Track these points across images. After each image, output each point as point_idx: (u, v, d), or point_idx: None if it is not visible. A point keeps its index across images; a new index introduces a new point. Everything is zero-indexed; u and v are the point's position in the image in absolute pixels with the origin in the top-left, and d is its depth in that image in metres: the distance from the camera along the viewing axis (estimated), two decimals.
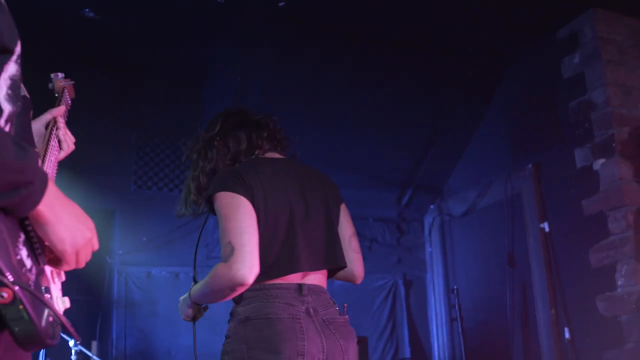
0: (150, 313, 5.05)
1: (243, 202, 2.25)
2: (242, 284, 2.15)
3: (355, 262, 2.50)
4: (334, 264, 2.39)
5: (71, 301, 1.41)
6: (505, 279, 4.89)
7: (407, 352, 5.79)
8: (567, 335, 4.35)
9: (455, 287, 4.93)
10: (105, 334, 5.05)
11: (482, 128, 5.43)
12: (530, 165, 4.72)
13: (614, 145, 4.10)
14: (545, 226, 4.58)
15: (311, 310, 2.23)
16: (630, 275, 3.93)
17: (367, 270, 5.59)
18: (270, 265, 2.25)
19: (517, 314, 4.82)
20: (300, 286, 2.25)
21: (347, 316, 2.38)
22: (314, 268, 2.32)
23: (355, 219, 5.67)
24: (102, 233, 1.36)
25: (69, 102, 2.07)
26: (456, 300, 4.83)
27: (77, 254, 1.27)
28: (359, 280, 2.55)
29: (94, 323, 5.04)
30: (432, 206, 5.91)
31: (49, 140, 1.76)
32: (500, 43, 4.79)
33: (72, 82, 2.14)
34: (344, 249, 2.43)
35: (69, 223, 1.23)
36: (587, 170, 4.28)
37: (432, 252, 5.90)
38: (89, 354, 4.40)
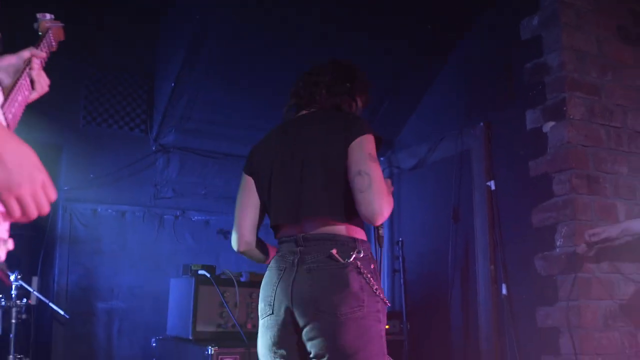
0: (94, 250, 5.00)
1: (243, 178, 2.75)
2: (239, 252, 2.72)
3: (358, 203, 2.40)
4: (296, 217, 2.52)
5: (14, 236, 1.37)
6: (449, 234, 4.99)
7: None
8: (504, 291, 4.48)
9: (400, 239, 5.00)
10: (47, 269, 4.99)
11: (438, 84, 5.45)
12: (481, 124, 4.78)
13: (564, 109, 4.17)
14: (492, 184, 4.66)
15: (297, 260, 2.46)
16: (569, 236, 4.05)
17: None
18: (271, 224, 2.63)
19: (458, 268, 4.93)
20: (296, 238, 2.50)
21: (344, 261, 2.40)
22: (289, 221, 2.54)
23: None
24: (49, 168, 1.26)
25: (54, 44, 2.03)
26: (400, 252, 4.91)
27: (19, 200, 1.16)
28: (372, 221, 2.41)
29: (36, 258, 4.98)
30: (382, 158, 5.95)
31: (18, 79, 1.72)
32: (462, 0, 4.79)
33: (62, 24, 2.09)
34: (353, 191, 2.44)
35: (8, 165, 1.13)
36: (537, 131, 4.35)
37: None
38: (30, 289, 4.35)
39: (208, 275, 4.16)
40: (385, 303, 2.47)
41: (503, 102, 4.68)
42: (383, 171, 5.87)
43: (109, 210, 5.15)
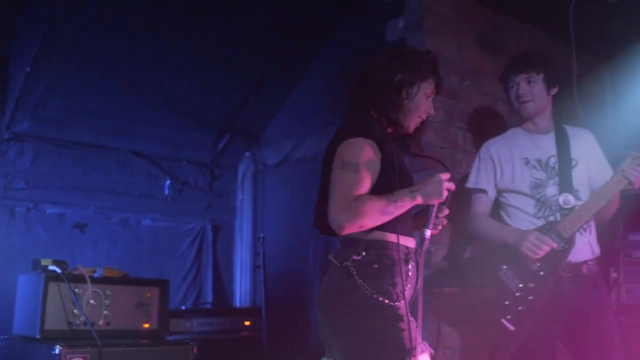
0: None
1: None
2: None
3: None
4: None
5: None
6: (310, 231, 5.00)
7: (209, 297, 5.80)
8: None
9: (261, 235, 4.97)
10: None
11: (305, 82, 5.47)
12: None
13: None
14: None
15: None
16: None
17: (176, 213, 5.58)
18: None
19: (318, 265, 4.97)
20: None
21: (340, 264, 2.43)
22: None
23: (169, 160, 5.58)
24: None
25: None
26: (261, 248, 4.88)
27: None
28: (336, 231, 2.39)
29: None
30: (247, 154, 5.90)
31: None
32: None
33: None
34: None
35: None
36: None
37: (243, 200, 5.91)
38: None
39: (59, 271, 3.94)
40: (390, 302, 2.37)
41: None
42: (247, 167, 5.88)
43: None
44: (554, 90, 3.61)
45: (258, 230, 5.63)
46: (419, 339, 2.37)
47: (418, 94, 2.60)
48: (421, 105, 2.62)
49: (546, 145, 3.57)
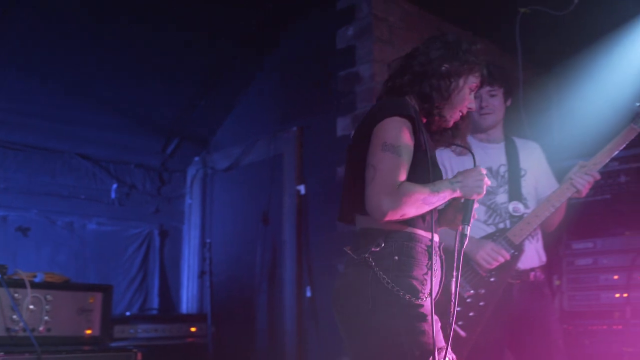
0: None
1: None
2: None
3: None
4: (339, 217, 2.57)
5: None
6: (258, 237, 5.00)
7: (155, 303, 5.73)
8: (308, 293, 4.56)
9: (208, 240, 4.94)
10: None
11: (255, 86, 5.46)
12: (294, 128, 4.84)
13: None
14: (302, 188, 4.73)
15: None
16: None
17: (123, 218, 5.50)
18: None
19: (266, 271, 4.95)
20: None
21: (358, 257, 2.31)
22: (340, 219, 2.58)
23: (116, 164, 5.50)
24: None
25: None
26: (208, 254, 4.84)
27: None
28: (374, 218, 2.22)
29: None
30: (196, 158, 5.86)
31: None
32: (284, 5, 4.82)
33: None
34: None
35: None
36: (346, 139, 4.46)
37: (192, 205, 5.86)
38: None
39: None
40: (413, 299, 2.24)
41: (316, 108, 4.77)
42: (196, 172, 5.83)
43: None
44: (509, 102, 3.68)
45: (206, 236, 5.58)
46: (445, 344, 2.26)
47: (464, 87, 2.46)
48: (465, 99, 2.48)
49: (497, 155, 3.62)
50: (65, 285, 4.10)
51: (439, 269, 2.40)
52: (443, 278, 2.43)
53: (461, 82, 2.45)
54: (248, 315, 5.04)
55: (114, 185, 5.53)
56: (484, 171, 2.37)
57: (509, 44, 4.70)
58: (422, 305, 2.26)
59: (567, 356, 3.40)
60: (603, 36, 4.79)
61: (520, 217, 3.42)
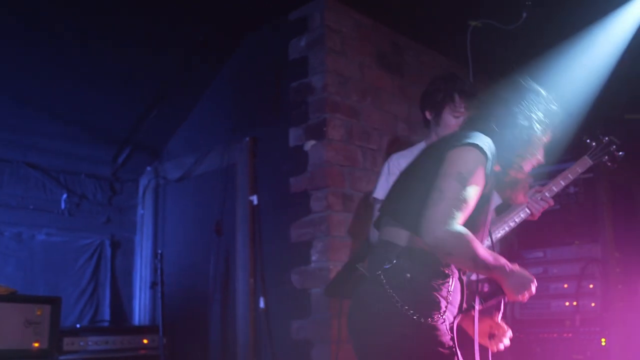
0: None
1: None
2: None
3: None
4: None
5: None
6: (211, 247, 4.97)
7: (106, 314, 5.64)
8: (262, 304, 4.54)
9: (160, 251, 4.88)
10: None
11: (208, 95, 5.42)
12: (247, 138, 4.82)
13: (324, 129, 4.33)
14: (255, 199, 4.71)
15: None
16: (323, 251, 4.20)
17: (73, 228, 5.41)
18: None
19: (219, 282, 4.92)
20: None
21: (369, 276, 2.29)
22: None
23: (66, 173, 5.40)
24: None
25: None
26: (159, 264, 4.78)
27: None
28: (423, 238, 2.09)
29: None
30: (149, 168, 5.79)
31: None
32: (237, 15, 4.80)
33: None
34: None
35: None
36: (299, 149, 4.47)
37: (144, 215, 5.80)
38: None
39: None
40: (427, 319, 2.17)
41: (269, 118, 4.77)
42: (149, 182, 5.77)
43: None
44: None
45: (159, 246, 5.52)
46: None
47: (542, 142, 2.39)
48: (539, 154, 2.39)
49: None
50: (12, 297, 4.03)
51: (457, 294, 2.32)
52: (464, 303, 2.34)
53: (544, 137, 2.40)
54: (201, 327, 5.00)
55: (64, 195, 5.43)
56: (535, 284, 2.30)
57: (460, 56, 4.79)
58: (437, 329, 2.19)
59: None
60: (552, 48, 4.90)
61: None
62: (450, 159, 2.18)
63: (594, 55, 4.86)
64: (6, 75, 4.67)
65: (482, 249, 2.13)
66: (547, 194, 3.44)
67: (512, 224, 3.44)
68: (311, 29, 4.57)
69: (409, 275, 2.19)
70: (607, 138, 3.59)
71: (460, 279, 2.33)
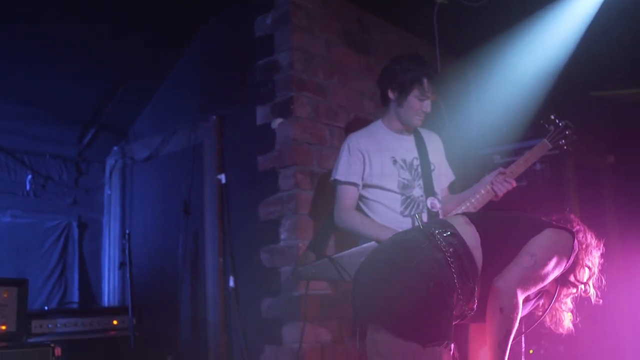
0: None
1: None
2: None
3: None
4: None
5: None
6: (180, 227, 4.95)
7: (75, 296, 5.60)
8: (231, 283, 4.54)
9: (127, 231, 4.85)
10: None
11: (175, 74, 5.37)
12: (214, 117, 4.79)
13: (291, 107, 4.32)
14: (222, 178, 4.70)
15: None
16: (292, 230, 4.21)
17: (39, 210, 5.35)
18: None
19: (188, 261, 4.91)
20: None
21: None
22: None
23: (30, 155, 5.34)
24: None
25: None
26: (127, 244, 4.75)
27: None
28: (502, 292, 2.47)
29: None
30: (115, 148, 5.74)
31: None
32: None
33: None
34: None
35: None
36: (266, 127, 4.46)
37: (111, 195, 5.75)
38: None
39: None
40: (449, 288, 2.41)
41: (236, 97, 4.74)
42: (115, 162, 5.72)
43: None
44: None
45: (127, 227, 5.49)
46: None
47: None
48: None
49: (409, 147, 3.68)
50: None
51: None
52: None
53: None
54: (171, 307, 4.99)
55: (29, 176, 5.37)
56: None
57: (427, 34, 4.80)
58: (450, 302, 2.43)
59: None
60: (517, 25, 4.94)
61: (437, 214, 3.52)
62: (552, 234, 2.58)
63: (558, 32, 4.91)
64: None
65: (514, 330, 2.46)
66: (509, 175, 3.53)
67: (478, 205, 3.49)
68: (277, 6, 4.53)
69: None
70: (562, 122, 3.68)
71: None
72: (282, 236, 4.26)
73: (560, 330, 2.74)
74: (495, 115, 5.15)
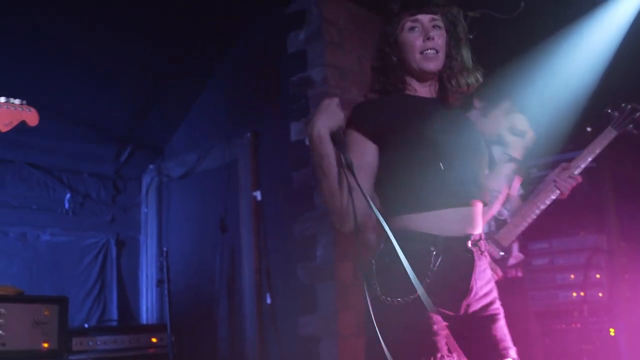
0: None
1: None
2: None
3: None
4: None
5: None
6: (216, 244, 4.96)
7: (114, 314, 5.65)
8: (268, 300, 4.54)
9: (165, 249, 4.88)
10: None
11: (208, 91, 5.41)
12: (248, 134, 4.81)
13: None
14: (258, 194, 4.71)
15: None
16: (328, 246, 4.19)
17: (77, 228, 5.41)
18: None
19: (225, 278, 4.92)
20: None
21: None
22: None
23: (68, 173, 5.40)
24: None
25: None
26: (165, 262, 4.78)
27: None
28: None
29: None
30: (151, 166, 5.79)
31: None
32: (234, 8, 4.78)
33: None
34: None
35: None
36: (300, 143, 4.46)
37: (148, 213, 5.79)
38: None
39: None
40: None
41: (270, 113, 4.76)
42: (151, 180, 5.77)
43: None
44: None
45: (163, 244, 5.52)
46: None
47: None
48: None
49: None
50: (19, 298, 4.03)
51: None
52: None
53: None
54: (209, 324, 5.00)
55: (67, 195, 5.43)
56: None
57: None
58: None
59: (528, 356, 3.44)
60: (551, 36, 4.88)
61: (504, 221, 3.41)
62: None
63: (596, 41, 4.84)
64: (5, 74, 4.66)
65: None
66: (575, 171, 3.32)
67: (542, 206, 3.34)
68: (309, 22, 4.55)
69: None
70: (629, 106, 3.45)
71: None
72: (318, 253, 4.24)
73: None
74: (533, 127, 5.08)
